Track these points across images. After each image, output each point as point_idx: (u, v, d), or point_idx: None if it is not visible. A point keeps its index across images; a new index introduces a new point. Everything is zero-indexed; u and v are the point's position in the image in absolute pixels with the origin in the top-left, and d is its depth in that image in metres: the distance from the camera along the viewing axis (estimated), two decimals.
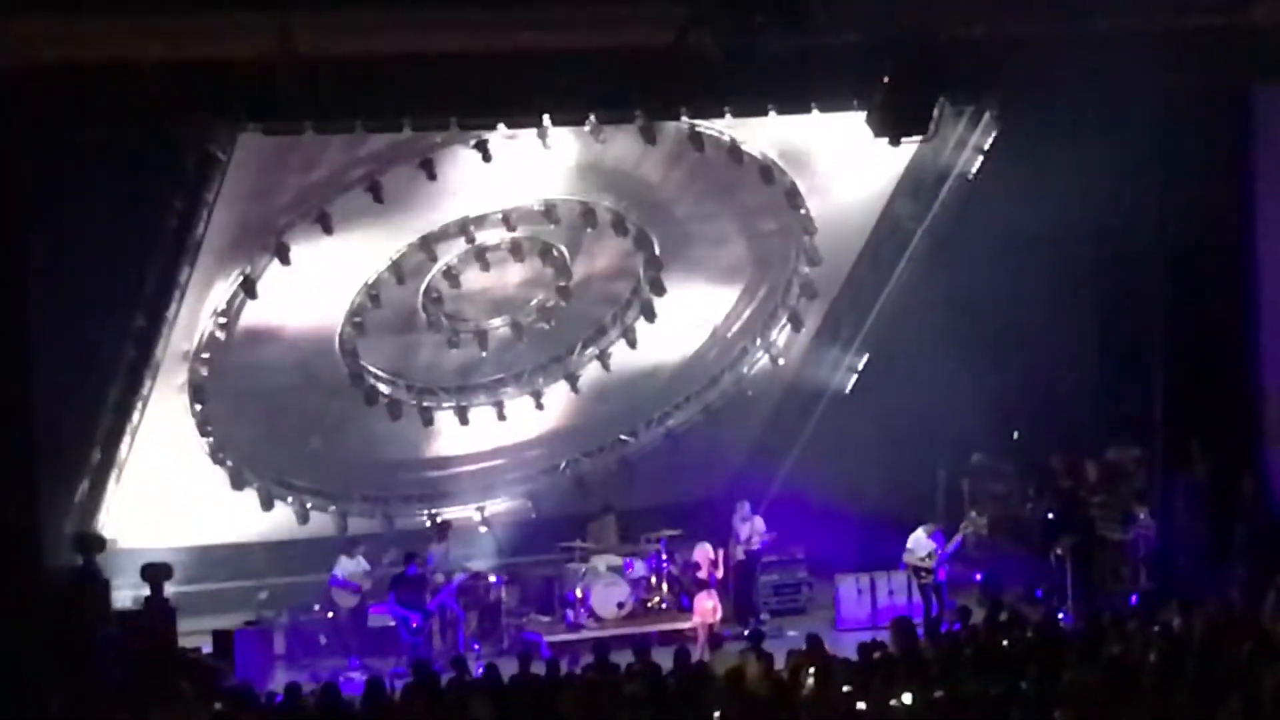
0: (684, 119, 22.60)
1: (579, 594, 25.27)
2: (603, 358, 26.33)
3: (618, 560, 25.76)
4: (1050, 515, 25.83)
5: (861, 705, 16.43)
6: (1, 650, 19.46)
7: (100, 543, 22.79)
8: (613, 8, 19.46)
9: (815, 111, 22.13)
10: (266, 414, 25.26)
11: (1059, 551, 24.71)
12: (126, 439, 23.96)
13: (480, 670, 19.18)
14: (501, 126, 21.59)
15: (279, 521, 25.89)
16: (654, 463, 27.59)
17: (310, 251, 23.16)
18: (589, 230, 24.62)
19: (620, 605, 25.29)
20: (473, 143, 22.31)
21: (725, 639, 22.71)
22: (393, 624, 24.53)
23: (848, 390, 27.46)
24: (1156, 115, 23.43)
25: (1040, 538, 25.54)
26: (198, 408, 24.44)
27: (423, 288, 24.70)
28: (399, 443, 26.11)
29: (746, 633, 22.56)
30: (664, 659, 18.80)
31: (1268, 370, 24.49)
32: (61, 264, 20.65)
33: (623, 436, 27.54)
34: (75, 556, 22.29)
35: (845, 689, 16.85)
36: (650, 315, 25.68)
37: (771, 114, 22.22)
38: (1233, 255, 24.41)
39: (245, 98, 19.47)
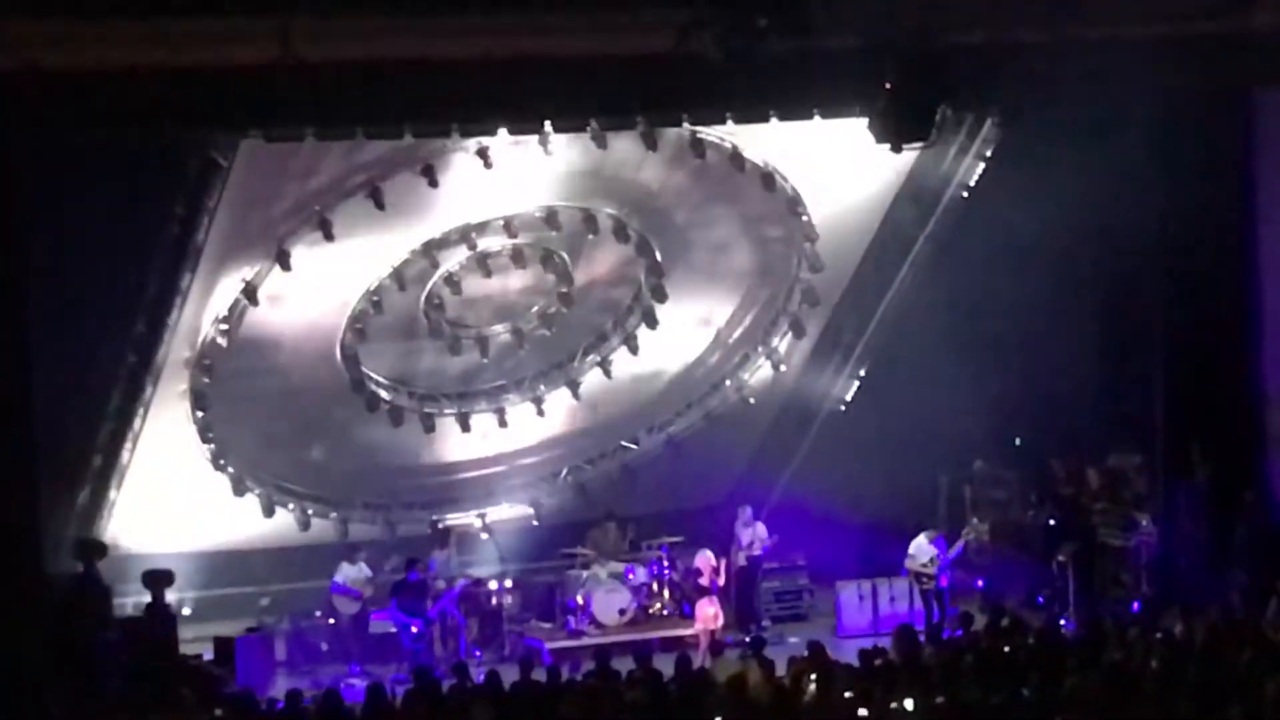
0: (685, 125, 22.61)
1: (580, 601, 25.27)
2: (604, 364, 26.32)
3: (619, 567, 25.76)
4: (1052, 521, 25.83)
5: (863, 712, 16.41)
6: (2, 656, 19.45)
7: (101, 549, 22.79)
8: (613, 14, 19.46)
9: (817, 117, 22.12)
10: (268, 420, 25.26)
11: (1060, 558, 24.71)
12: (128, 445, 23.99)
13: (481, 677, 19.15)
14: (503, 133, 21.59)
15: (280, 528, 25.89)
16: (655, 469, 27.58)
17: (312, 258, 23.17)
18: (590, 237, 24.63)
19: (622, 612, 25.29)
20: (474, 149, 22.32)
21: (727, 646, 22.71)
22: (394, 630, 24.52)
23: (849, 397, 27.45)
24: (1157, 120, 23.45)
25: (1042, 544, 25.52)
26: (199, 414, 24.44)
27: (424, 294, 24.71)
28: (400, 449, 26.11)
29: (748, 639, 22.55)
30: (665, 666, 18.79)
31: (1269, 375, 24.51)
32: (63, 269, 20.68)
33: (624, 443, 27.53)
34: (76, 563, 22.29)
35: (847, 695, 16.83)
36: (652, 322, 25.67)
37: (773, 120, 22.23)
38: (1233, 260, 24.44)
39: (246, 104, 19.46)
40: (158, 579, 22.75)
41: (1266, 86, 23.44)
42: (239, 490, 25.29)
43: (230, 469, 25.19)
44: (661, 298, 25.42)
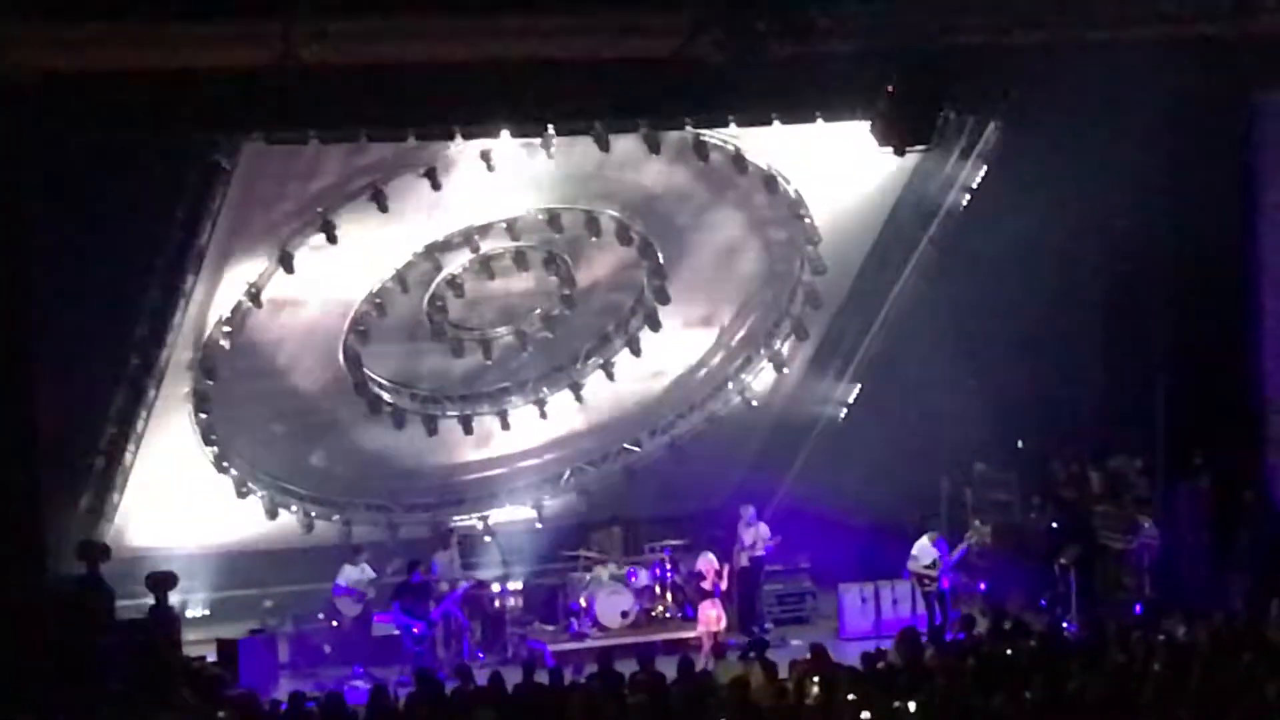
0: (688, 128, 22.63)
1: (583, 603, 25.26)
2: (607, 367, 26.32)
3: (622, 569, 25.76)
4: (1054, 524, 25.81)
5: (866, 715, 16.42)
6: (5, 658, 19.48)
7: (104, 551, 22.78)
8: (617, 17, 19.48)
9: (820, 121, 22.15)
10: (270, 422, 25.28)
11: (1063, 561, 24.69)
12: (130, 447, 23.98)
13: (484, 679, 19.16)
14: (506, 135, 21.60)
15: (284, 530, 25.89)
16: (658, 472, 27.57)
17: (315, 260, 23.18)
18: (593, 239, 24.62)
19: (624, 614, 25.27)
20: (477, 152, 22.34)
21: (729, 648, 22.70)
22: (397, 632, 24.52)
23: (852, 400, 27.45)
24: (1161, 123, 23.44)
25: (1044, 547, 25.50)
26: (201, 416, 24.45)
27: (427, 296, 24.71)
28: (403, 452, 26.10)
29: (750, 642, 22.55)
30: (668, 668, 18.78)
31: (1271, 378, 24.52)
32: (66, 272, 20.68)
33: (627, 446, 27.52)
34: (79, 565, 22.28)
35: (849, 698, 16.83)
36: (654, 324, 25.67)
37: (775, 123, 22.26)
38: (1236, 262, 24.43)
39: (249, 106, 19.50)
40: (160, 581, 22.73)
41: (1270, 89, 23.44)
42: (242, 492, 25.31)
43: (233, 471, 25.20)
44: (664, 300, 25.40)
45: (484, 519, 27.22)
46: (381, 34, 18.95)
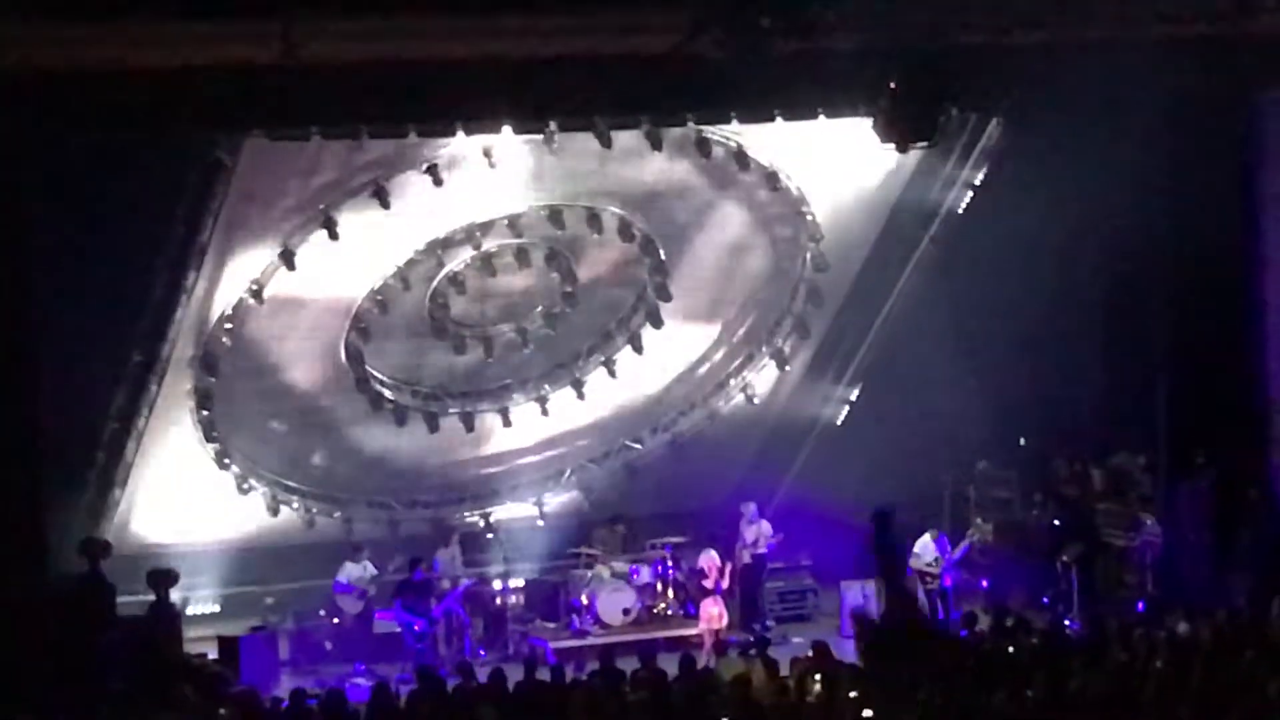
0: (690, 125, 22.62)
1: (585, 600, 25.25)
2: (609, 364, 26.32)
3: (623, 567, 25.74)
4: (1056, 522, 25.81)
5: (868, 713, 16.41)
6: (6, 655, 19.47)
7: (106, 548, 22.76)
8: (619, 13, 19.48)
9: (822, 118, 22.15)
10: (272, 419, 25.28)
11: (1065, 558, 24.68)
12: (132, 444, 23.98)
13: (486, 676, 19.15)
14: (508, 132, 21.59)
15: (285, 526, 25.89)
16: (660, 469, 27.57)
17: (316, 257, 23.19)
18: (595, 236, 24.63)
19: (626, 612, 25.26)
20: (479, 149, 22.34)
21: (731, 645, 22.69)
22: (398, 630, 24.51)
23: (853, 397, 27.44)
24: (1162, 122, 23.42)
25: (1046, 544, 25.49)
26: (203, 413, 24.46)
27: (429, 293, 24.71)
28: (404, 449, 26.10)
29: (752, 639, 22.54)
30: (670, 666, 18.77)
31: (1273, 375, 24.49)
32: (68, 269, 20.68)
33: (628, 443, 27.52)
34: (80, 561, 22.27)
35: (851, 695, 16.83)
36: (656, 321, 25.67)
37: (778, 120, 22.25)
38: (1237, 260, 24.40)
39: (251, 103, 19.51)
40: (161, 578, 22.72)
41: (1272, 88, 23.43)
42: (243, 489, 25.31)
43: (234, 467, 25.21)
44: (666, 297, 25.41)
45: (486, 516, 27.22)
46: (382, 30, 18.95)
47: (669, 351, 26.52)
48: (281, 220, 22.87)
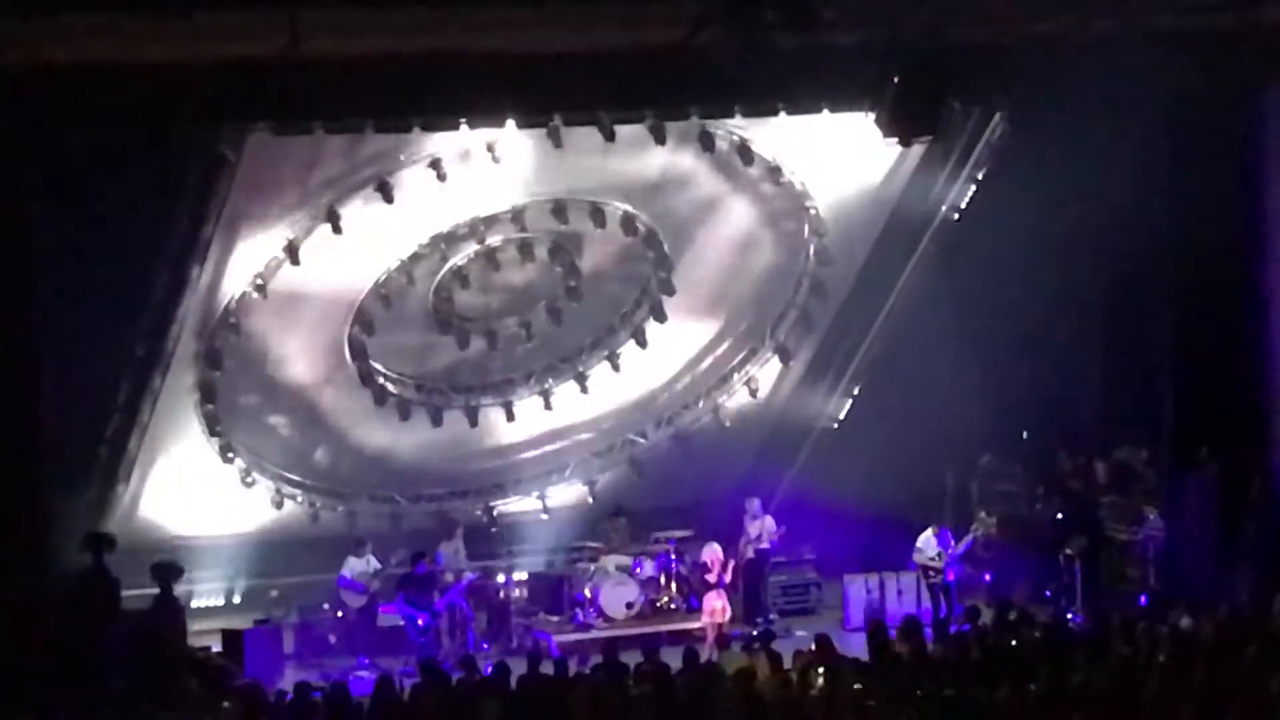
0: (694, 118, 22.61)
1: (588, 594, 25.26)
2: (612, 358, 26.32)
3: (627, 560, 25.74)
4: (1059, 516, 25.81)
5: (870, 704, 16.42)
6: (10, 650, 19.49)
7: (110, 542, 22.78)
8: (623, 7, 19.48)
9: (825, 112, 22.14)
10: (275, 413, 25.30)
11: (1068, 552, 24.69)
12: (136, 438, 24.00)
13: (489, 669, 19.17)
14: (511, 125, 21.59)
15: (289, 520, 25.91)
16: (663, 463, 27.58)
17: (320, 251, 23.19)
18: (598, 230, 24.62)
19: (629, 605, 25.28)
20: (482, 143, 22.34)
21: (734, 639, 22.70)
22: (402, 623, 24.53)
23: (857, 391, 27.44)
24: (1166, 116, 23.42)
25: (1049, 538, 25.49)
26: (207, 406, 24.49)
27: (433, 288, 24.72)
28: (408, 443, 26.11)
29: (755, 633, 22.55)
30: (673, 659, 18.80)
31: (1277, 370, 24.46)
32: (71, 264, 20.68)
33: (632, 437, 27.53)
34: (85, 555, 22.29)
35: (854, 689, 16.83)
36: (660, 315, 25.68)
37: (781, 114, 22.24)
38: (1241, 254, 24.38)
39: (255, 97, 19.50)
40: (165, 571, 22.74)
41: (1273, 86, 23.40)
42: (247, 483, 25.34)
43: (238, 461, 25.23)
44: (669, 291, 25.41)
45: (489, 510, 27.24)
46: (386, 24, 18.94)
47: (672, 345, 26.52)
48: (285, 214, 22.87)
